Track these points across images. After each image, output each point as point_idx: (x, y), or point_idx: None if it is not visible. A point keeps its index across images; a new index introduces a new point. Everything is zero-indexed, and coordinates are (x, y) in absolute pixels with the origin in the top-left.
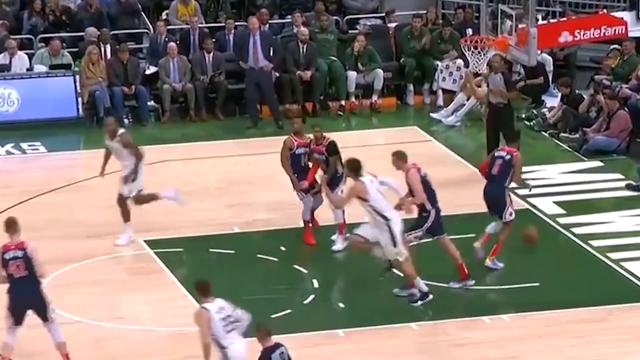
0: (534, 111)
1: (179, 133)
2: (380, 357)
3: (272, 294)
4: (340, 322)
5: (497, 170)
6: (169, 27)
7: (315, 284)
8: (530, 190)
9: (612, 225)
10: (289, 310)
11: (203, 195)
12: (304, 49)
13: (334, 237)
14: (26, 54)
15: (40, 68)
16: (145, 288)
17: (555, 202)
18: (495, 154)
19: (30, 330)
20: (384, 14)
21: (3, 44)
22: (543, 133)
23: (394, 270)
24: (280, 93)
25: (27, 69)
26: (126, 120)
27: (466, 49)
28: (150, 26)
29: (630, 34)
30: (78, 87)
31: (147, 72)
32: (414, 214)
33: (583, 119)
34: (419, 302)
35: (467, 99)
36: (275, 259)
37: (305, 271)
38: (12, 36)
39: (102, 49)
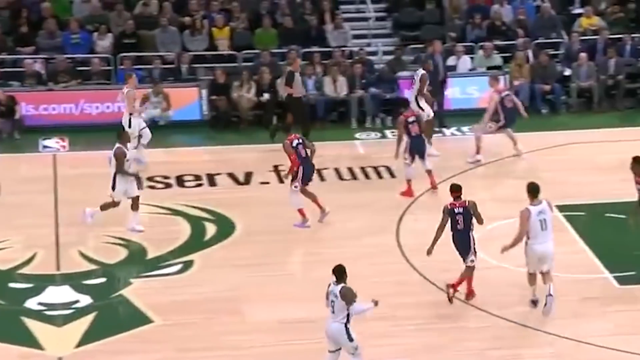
0: None
1: (585, 121)
2: None
3: None
4: None
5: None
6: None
7: None
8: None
9: None
10: None
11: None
12: None
13: None
14: (470, 57)
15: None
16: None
17: None
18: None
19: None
20: None
21: (452, 50)
22: None
23: None
24: None
25: (469, 69)
26: (544, 111)
27: None
28: (566, 36)
29: None
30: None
31: (565, 73)
32: None
33: None
34: None
35: None
36: None
37: None
38: (458, 44)
39: (527, 54)
